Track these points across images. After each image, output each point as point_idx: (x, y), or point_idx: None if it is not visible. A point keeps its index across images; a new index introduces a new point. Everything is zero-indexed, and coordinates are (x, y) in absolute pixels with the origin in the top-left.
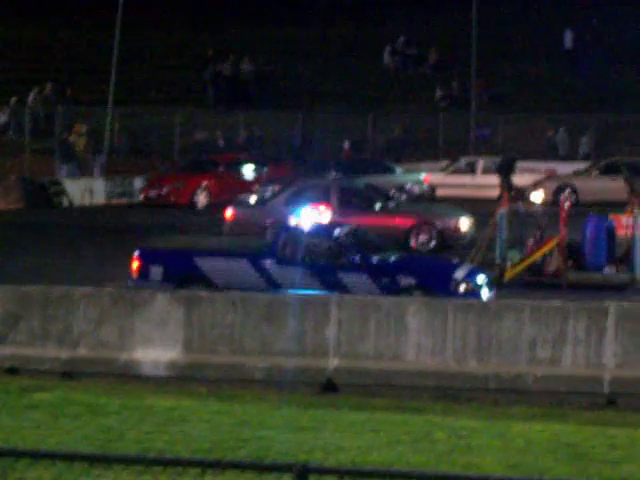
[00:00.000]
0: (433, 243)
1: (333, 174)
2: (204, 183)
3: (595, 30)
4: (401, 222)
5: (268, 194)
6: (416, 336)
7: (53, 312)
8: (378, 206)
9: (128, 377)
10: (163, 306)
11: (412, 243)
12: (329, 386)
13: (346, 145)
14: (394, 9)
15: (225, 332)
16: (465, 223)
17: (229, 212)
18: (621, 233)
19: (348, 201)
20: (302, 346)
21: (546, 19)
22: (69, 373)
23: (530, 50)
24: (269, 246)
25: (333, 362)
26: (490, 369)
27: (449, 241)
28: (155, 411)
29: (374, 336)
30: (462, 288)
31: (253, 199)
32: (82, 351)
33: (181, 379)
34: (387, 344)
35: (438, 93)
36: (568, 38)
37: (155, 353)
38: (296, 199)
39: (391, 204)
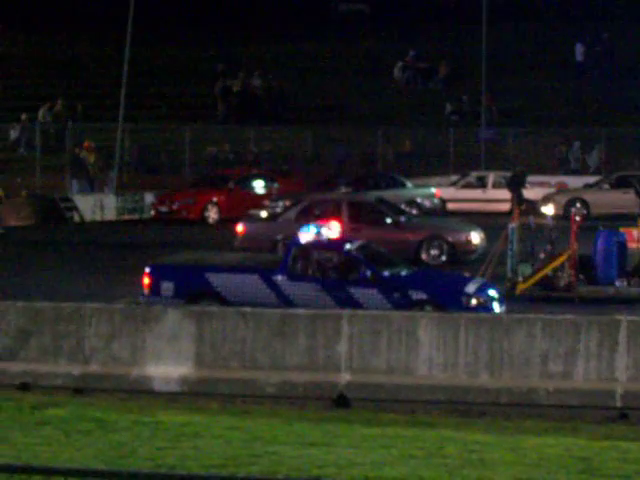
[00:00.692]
0: (444, 257)
1: (344, 189)
2: (215, 198)
3: (606, 43)
4: (412, 236)
5: (279, 209)
6: (428, 350)
7: (64, 328)
8: (389, 220)
9: (139, 393)
10: (174, 322)
11: (423, 257)
12: (341, 401)
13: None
14: (404, 23)
15: (236, 347)
16: (476, 237)
17: (240, 227)
18: (632, 246)
19: (359, 216)
20: (314, 361)
21: (557, 32)
22: (80, 389)
23: (540, 63)
24: (280, 261)
25: (345, 377)
26: (502, 383)
27: (460, 255)
28: (167, 427)
29: (386, 351)
30: (473, 302)
31: (264, 214)
32: (93, 367)
33: (192, 395)
34: (399, 359)
35: (448, 107)
36: (579, 51)
37: (166, 369)
38: (307, 214)
39: (402, 218)
